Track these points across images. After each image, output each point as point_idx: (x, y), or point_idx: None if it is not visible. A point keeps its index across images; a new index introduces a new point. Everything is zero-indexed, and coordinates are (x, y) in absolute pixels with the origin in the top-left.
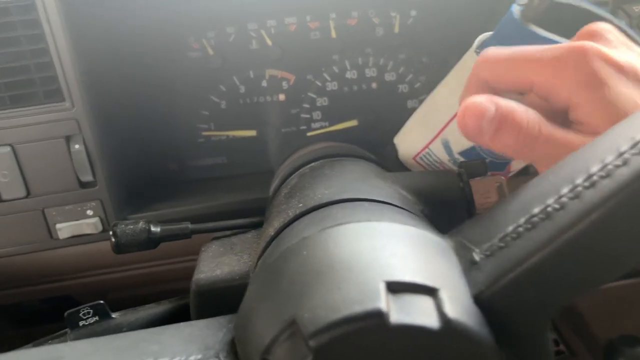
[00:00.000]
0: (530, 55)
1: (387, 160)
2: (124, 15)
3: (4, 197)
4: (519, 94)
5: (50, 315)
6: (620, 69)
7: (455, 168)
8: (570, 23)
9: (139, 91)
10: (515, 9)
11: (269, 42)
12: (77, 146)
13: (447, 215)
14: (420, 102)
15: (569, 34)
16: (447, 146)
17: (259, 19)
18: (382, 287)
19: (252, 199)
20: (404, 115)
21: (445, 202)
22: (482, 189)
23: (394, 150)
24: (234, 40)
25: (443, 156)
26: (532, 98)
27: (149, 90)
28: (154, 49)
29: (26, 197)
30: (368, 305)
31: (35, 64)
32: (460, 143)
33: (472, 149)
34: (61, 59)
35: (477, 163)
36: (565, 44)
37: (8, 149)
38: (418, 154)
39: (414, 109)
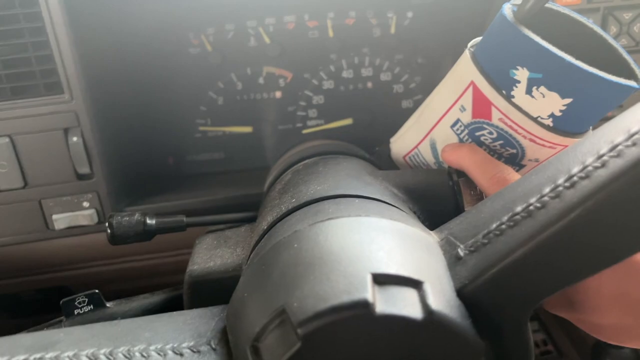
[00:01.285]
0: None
1: (380, 158)
2: (125, 10)
3: (1, 187)
4: None
5: (46, 306)
6: None
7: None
8: (557, 29)
9: (138, 85)
10: (507, 9)
11: (267, 40)
12: (75, 138)
13: (437, 212)
14: (415, 102)
15: (555, 39)
16: (433, 148)
17: (258, 17)
18: (368, 279)
19: (247, 194)
20: (399, 114)
21: (435, 200)
22: (471, 188)
23: (387, 149)
24: (233, 37)
25: (429, 158)
26: None
27: (147, 84)
28: (153, 44)
29: (23, 187)
30: (355, 296)
31: (36, 56)
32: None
33: None
34: (61, 52)
35: None
36: None
37: (6, 139)
38: (408, 153)
39: (408, 109)
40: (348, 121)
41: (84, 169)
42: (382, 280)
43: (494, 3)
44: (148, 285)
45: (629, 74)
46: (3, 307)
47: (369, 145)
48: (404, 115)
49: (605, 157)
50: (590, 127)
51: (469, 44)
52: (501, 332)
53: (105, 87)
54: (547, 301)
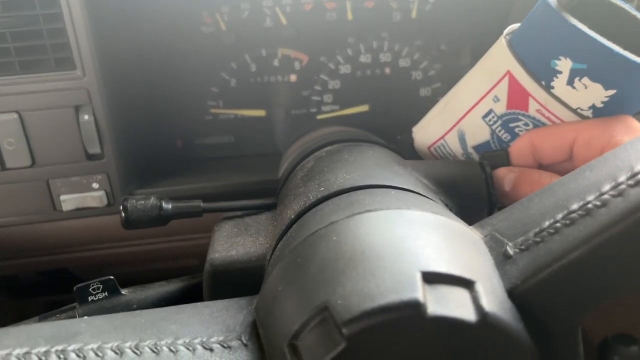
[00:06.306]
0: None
1: (402, 147)
2: None
3: (9, 165)
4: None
5: (46, 288)
6: None
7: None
8: (594, 16)
9: (149, 63)
10: None
11: (284, 21)
12: (86, 117)
13: (468, 206)
14: (434, 90)
15: (596, 28)
16: (462, 138)
17: None
18: (418, 277)
19: (258, 180)
20: (416, 102)
21: (467, 193)
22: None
23: (409, 138)
24: (248, 17)
25: (457, 149)
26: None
27: (160, 63)
28: (166, 21)
29: (31, 166)
30: (405, 295)
31: (48, 29)
32: (475, 136)
33: (487, 144)
34: (75, 25)
35: (500, 154)
36: None
37: (15, 115)
38: (433, 144)
39: (426, 97)
40: (364, 108)
41: (95, 149)
42: (431, 279)
43: None
44: (152, 269)
45: None
46: (2, 288)
47: (385, 133)
48: (422, 103)
49: None
50: None
51: (505, 32)
52: (551, 336)
53: (117, 64)
54: None
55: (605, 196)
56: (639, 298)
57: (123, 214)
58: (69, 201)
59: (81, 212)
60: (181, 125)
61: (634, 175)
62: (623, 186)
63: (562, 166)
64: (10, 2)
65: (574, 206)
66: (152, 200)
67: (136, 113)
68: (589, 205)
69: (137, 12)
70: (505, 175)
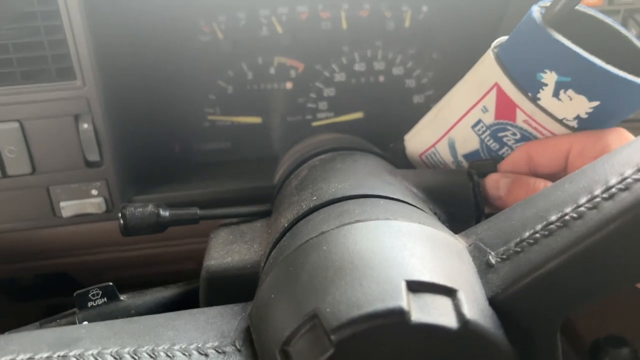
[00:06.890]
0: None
1: (395, 155)
2: None
3: (9, 172)
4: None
5: (46, 291)
6: None
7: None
8: (581, 30)
9: (149, 72)
10: (536, 12)
11: (280, 30)
12: (85, 125)
13: (456, 214)
14: (427, 97)
15: (578, 40)
16: (452, 147)
17: (270, 6)
18: (403, 286)
19: (255, 186)
20: (410, 110)
21: (455, 201)
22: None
23: (401, 146)
24: (245, 26)
25: (447, 157)
26: None
27: (158, 71)
28: (165, 31)
29: (31, 173)
30: (390, 303)
31: (49, 40)
32: (465, 145)
33: (476, 152)
34: (75, 36)
35: (487, 162)
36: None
37: (16, 124)
38: (424, 152)
39: (419, 104)
40: (358, 115)
41: (94, 157)
42: (416, 287)
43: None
44: (150, 273)
45: None
46: (2, 290)
47: (379, 140)
48: (415, 111)
49: None
50: None
51: (493, 45)
52: (531, 341)
53: (117, 73)
54: None
55: (582, 208)
56: (630, 301)
57: (122, 222)
58: (68, 208)
59: (81, 218)
60: (179, 131)
61: (608, 188)
62: (598, 199)
63: (558, 177)
64: (13, 14)
65: (553, 217)
66: (150, 208)
67: (135, 120)
68: (566, 217)
69: (136, 22)
70: (498, 180)
